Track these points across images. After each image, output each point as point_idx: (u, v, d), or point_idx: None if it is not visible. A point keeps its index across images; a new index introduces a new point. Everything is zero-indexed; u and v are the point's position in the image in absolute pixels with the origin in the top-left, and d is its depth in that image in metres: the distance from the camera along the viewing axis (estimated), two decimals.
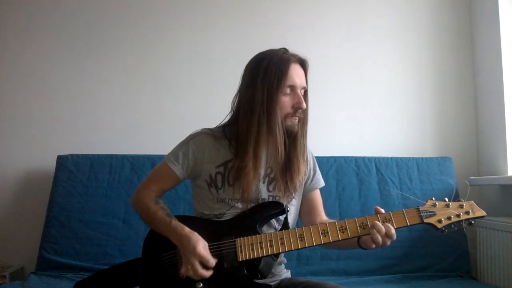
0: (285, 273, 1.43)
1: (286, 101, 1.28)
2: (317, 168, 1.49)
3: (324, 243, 1.20)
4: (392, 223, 1.19)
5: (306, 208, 1.45)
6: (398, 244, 1.97)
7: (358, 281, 1.86)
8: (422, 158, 2.19)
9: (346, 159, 2.15)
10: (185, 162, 1.35)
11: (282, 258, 1.43)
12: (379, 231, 1.16)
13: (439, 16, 2.44)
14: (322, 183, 1.48)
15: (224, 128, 1.38)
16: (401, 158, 2.18)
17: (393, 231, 1.17)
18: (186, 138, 1.40)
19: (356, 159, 2.15)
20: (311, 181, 1.46)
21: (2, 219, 2.20)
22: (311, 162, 1.47)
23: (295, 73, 1.29)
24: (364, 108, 2.38)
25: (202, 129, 1.40)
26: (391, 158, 2.17)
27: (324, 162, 2.12)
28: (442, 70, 2.42)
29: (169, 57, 2.35)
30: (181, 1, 2.39)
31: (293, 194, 1.38)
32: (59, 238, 1.95)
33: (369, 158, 2.16)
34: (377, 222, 1.17)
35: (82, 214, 1.99)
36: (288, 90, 1.29)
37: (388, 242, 1.18)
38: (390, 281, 1.88)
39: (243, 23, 2.39)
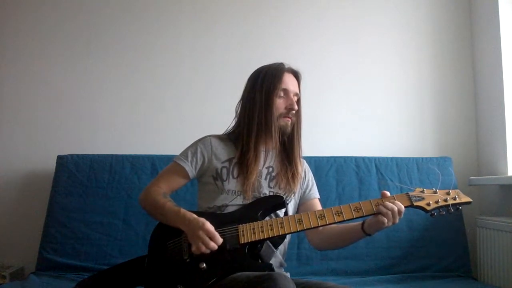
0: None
1: (280, 102, 1.46)
2: (314, 181, 1.62)
3: (321, 225, 1.29)
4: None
5: None
6: (398, 244, 2.01)
7: (358, 281, 1.86)
8: (422, 158, 2.19)
9: (346, 159, 2.15)
10: (193, 160, 1.47)
11: (282, 260, 1.47)
12: (392, 209, 1.25)
13: (439, 16, 2.45)
14: (318, 195, 1.60)
15: (229, 134, 1.55)
16: (401, 158, 2.18)
17: (402, 208, 1.27)
18: (194, 141, 1.54)
19: (356, 159, 2.15)
20: (310, 190, 1.58)
21: (2, 219, 2.20)
22: (309, 173, 1.61)
23: (289, 80, 1.49)
24: (364, 108, 2.38)
25: (209, 134, 1.54)
26: (391, 158, 2.17)
27: (324, 162, 2.12)
28: (442, 70, 2.42)
29: (169, 57, 2.35)
30: (182, 1, 2.39)
31: (294, 191, 1.49)
32: (59, 238, 1.95)
33: (369, 158, 2.16)
34: (387, 202, 1.27)
35: (82, 214, 1.99)
36: (282, 93, 1.47)
37: (397, 220, 1.27)
38: (390, 281, 1.88)
39: (243, 23, 2.39)
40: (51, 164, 2.11)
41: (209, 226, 1.25)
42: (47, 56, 2.32)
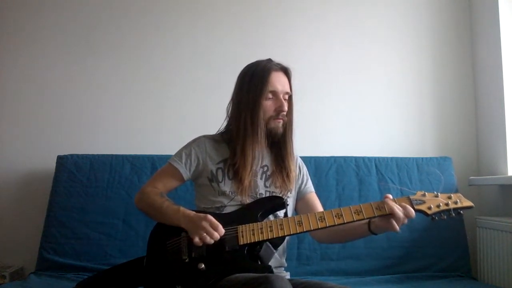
0: (285, 275, 1.46)
1: (268, 105, 1.43)
2: (308, 176, 1.62)
3: (321, 228, 1.27)
4: (385, 210, 1.25)
5: (308, 209, 1.51)
6: (398, 244, 2.01)
7: (358, 281, 1.86)
8: (422, 158, 2.19)
9: (346, 159, 2.15)
10: (188, 161, 1.46)
11: (282, 260, 1.46)
12: (401, 210, 1.24)
13: (439, 17, 2.45)
14: (313, 189, 1.59)
15: (222, 134, 1.54)
16: (401, 158, 2.18)
17: (412, 212, 1.25)
18: (188, 142, 1.53)
19: (356, 159, 2.15)
20: (305, 185, 1.57)
21: (2, 219, 2.20)
22: (304, 168, 1.61)
23: (277, 80, 1.43)
24: (364, 108, 2.38)
25: (203, 135, 1.54)
26: (391, 158, 2.17)
27: (324, 162, 2.12)
28: (442, 70, 2.42)
29: (169, 57, 2.35)
30: (182, 1, 2.39)
31: (290, 189, 1.48)
32: (59, 238, 1.95)
33: (369, 158, 2.16)
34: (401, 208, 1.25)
35: (82, 214, 1.99)
36: (270, 95, 1.42)
37: (406, 221, 1.26)
38: (390, 281, 1.88)
39: (243, 24, 2.39)
40: (51, 164, 2.10)
41: (212, 217, 1.25)
42: (47, 56, 2.31)
